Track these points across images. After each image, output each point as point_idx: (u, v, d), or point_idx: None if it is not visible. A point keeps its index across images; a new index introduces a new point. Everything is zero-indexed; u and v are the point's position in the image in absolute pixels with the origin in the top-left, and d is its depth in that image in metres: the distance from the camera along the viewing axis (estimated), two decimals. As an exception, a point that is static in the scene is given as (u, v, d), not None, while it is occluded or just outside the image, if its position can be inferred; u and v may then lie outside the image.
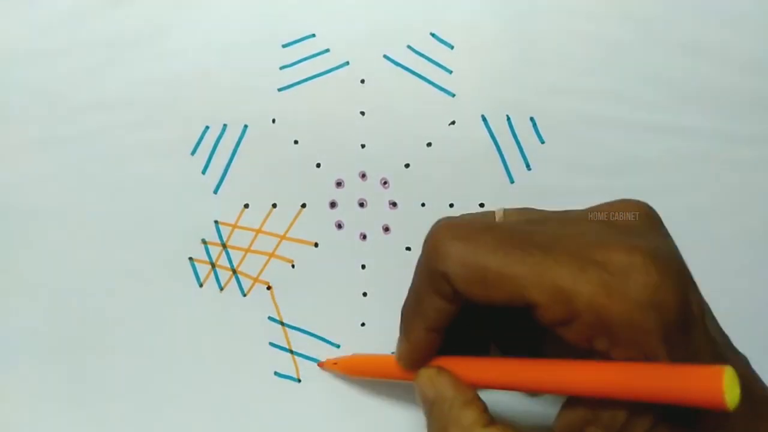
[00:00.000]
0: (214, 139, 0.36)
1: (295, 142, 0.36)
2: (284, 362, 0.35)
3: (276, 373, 0.35)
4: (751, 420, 0.24)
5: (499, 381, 0.25)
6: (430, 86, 0.36)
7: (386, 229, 0.36)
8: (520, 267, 0.22)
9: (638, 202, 0.25)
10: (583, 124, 0.36)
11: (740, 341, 0.26)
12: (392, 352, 0.28)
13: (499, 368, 0.25)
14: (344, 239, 0.36)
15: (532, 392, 0.29)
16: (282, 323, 0.35)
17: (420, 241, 0.25)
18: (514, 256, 0.23)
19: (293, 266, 0.36)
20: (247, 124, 0.36)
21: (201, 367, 0.35)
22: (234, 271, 0.36)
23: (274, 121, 0.36)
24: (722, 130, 0.36)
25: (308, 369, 0.35)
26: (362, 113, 0.36)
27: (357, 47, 0.36)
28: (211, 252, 0.36)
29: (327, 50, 0.36)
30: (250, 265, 0.36)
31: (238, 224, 0.36)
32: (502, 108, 0.36)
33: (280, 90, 0.36)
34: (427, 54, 0.36)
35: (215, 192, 0.36)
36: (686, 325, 0.22)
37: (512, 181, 0.36)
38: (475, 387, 0.26)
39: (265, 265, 0.36)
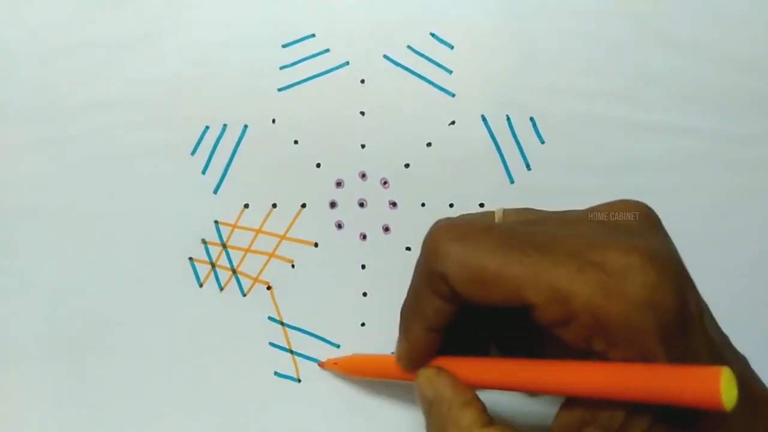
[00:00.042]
0: (214, 139, 0.36)
1: (295, 142, 0.36)
2: (284, 362, 0.35)
3: (276, 373, 0.35)
4: (750, 420, 0.24)
5: (498, 381, 0.25)
6: (430, 86, 0.36)
7: (386, 229, 0.36)
8: (517, 268, 0.22)
9: (637, 202, 0.25)
10: (583, 124, 0.36)
11: (740, 341, 0.26)
12: (392, 352, 0.28)
13: (499, 368, 0.25)
14: (344, 239, 0.36)
15: (531, 392, 0.29)
16: (282, 323, 0.35)
17: (420, 241, 0.25)
18: (512, 257, 0.23)
19: (293, 266, 0.36)
20: (247, 124, 0.36)
21: (201, 367, 0.35)
22: (234, 271, 0.36)
23: (274, 121, 0.36)
24: (722, 130, 0.36)
25: (308, 369, 0.35)
26: (362, 113, 0.36)
27: (357, 47, 0.36)
28: (211, 252, 0.36)
29: (327, 50, 0.36)
30: (250, 265, 0.36)
31: (238, 224, 0.36)
32: (502, 108, 0.36)
33: (280, 90, 0.36)
34: (427, 54, 0.36)
35: (215, 192, 0.36)
36: (684, 326, 0.22)
37: (512, 182, 0.36)
38: (474, 387, 0.26)
39: (265, 265, 0.36)
